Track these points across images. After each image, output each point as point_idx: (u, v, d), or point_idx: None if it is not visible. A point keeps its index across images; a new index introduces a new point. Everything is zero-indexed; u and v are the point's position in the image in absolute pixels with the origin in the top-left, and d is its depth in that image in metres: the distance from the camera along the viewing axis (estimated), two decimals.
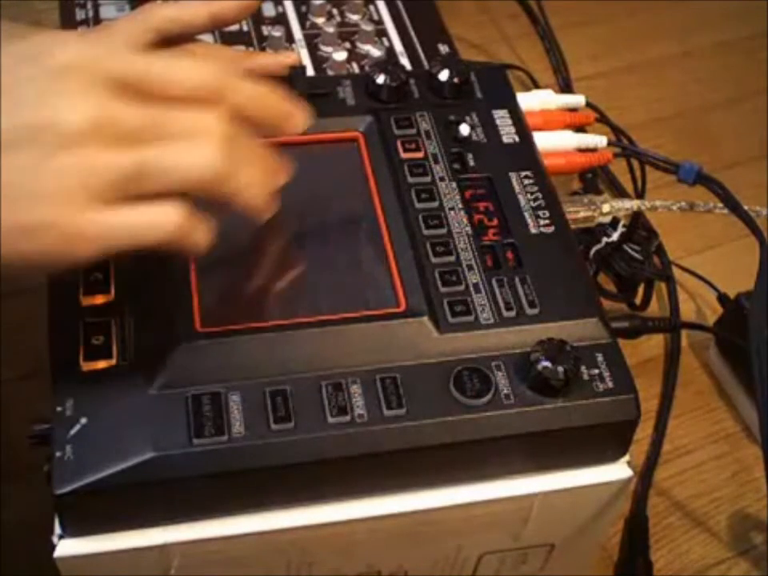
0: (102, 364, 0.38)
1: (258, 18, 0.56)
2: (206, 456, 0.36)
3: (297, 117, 0.40)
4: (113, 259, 0.35)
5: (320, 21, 0.56)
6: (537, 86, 0.72)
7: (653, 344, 0.63)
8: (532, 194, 0.45)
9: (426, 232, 0.43)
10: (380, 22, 0.57)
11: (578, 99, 0.55)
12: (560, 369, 0.39)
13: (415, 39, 0.56)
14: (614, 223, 0.61)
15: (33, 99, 0.34)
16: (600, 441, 0.41)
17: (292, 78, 0.48)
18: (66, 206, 0.33)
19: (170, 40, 0.46)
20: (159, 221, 0.35)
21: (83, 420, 0.37)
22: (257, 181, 0.37)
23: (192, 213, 0.35)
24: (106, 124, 0.34)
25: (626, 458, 0.42)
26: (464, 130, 0.47)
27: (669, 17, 0.86)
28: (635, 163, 0.64)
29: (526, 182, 0.46)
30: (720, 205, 0.53)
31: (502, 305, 0.41)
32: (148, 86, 0.36)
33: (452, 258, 0.42)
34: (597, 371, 0.40)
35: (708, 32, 0.85)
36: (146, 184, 0.34)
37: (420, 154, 0.46)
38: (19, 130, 0.33)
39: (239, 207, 0.37)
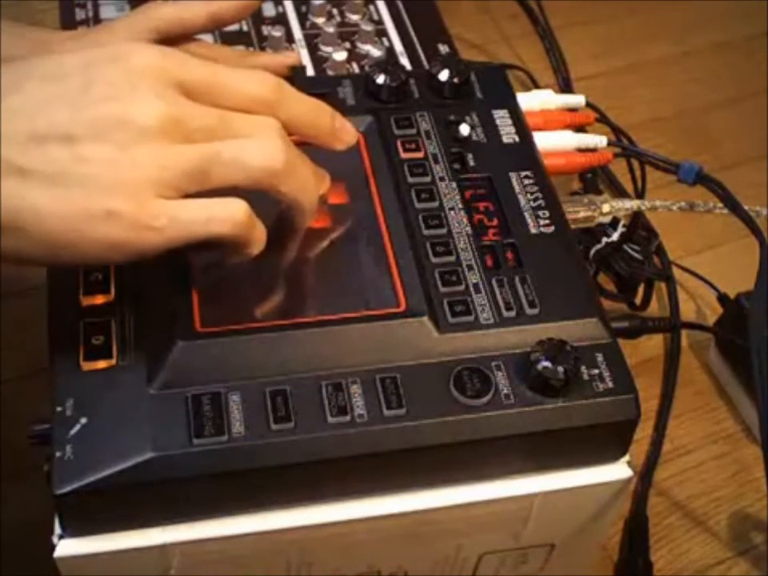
0: (101, 364, 0.38)
1: (257, 18, 0.56)
2: (206, 456, 0.36)
3: (346, 133, 0.42)
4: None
5: (320, 21, 0.57)
6: (537, 86, 0.72)
7: (653, 344, 0.63)
8: (532, 194, 0.45)
9: (425, 232, 0.43)
10: (380, 22, 0.57)
11: (577, 99, 0.55)
12: (560, 369, 0.39)
13: (415, 39, 0.56)
14: (614, 223, 0.61)
15: (111, 97, 0.35)
16: (600, 441, 0.41)
17: (292, 78, 0.48)
18: (137, 196, 0.35)
19: (170, 40, 0.46)
20: (225, 213, 0.36)
21: (83, 420, 0.37)
22: (311, 182, 0.40)
23: (252, 211, 0.37)
24: (177, 122, 0.36)
25: (626, 458, 0.42)
26: (464, 129, 0.47)
27: (669, 17, 0.86)
28: (635, 163, 0.64)
29: (526, 182, 0.46)
30: (720, 205, 0.53)
31: (501, 305, 0.41)
32: (214, 91, 0.38)
33: (452, 258, 0.42)
34: (597, 371, 0.40)
35: (708, 32, 0.85)
36: (213, 177, 0.36)
37: (420, 154, 0.46)
38: (97, 123, 0.35)
39: (293, 207, 0.40)
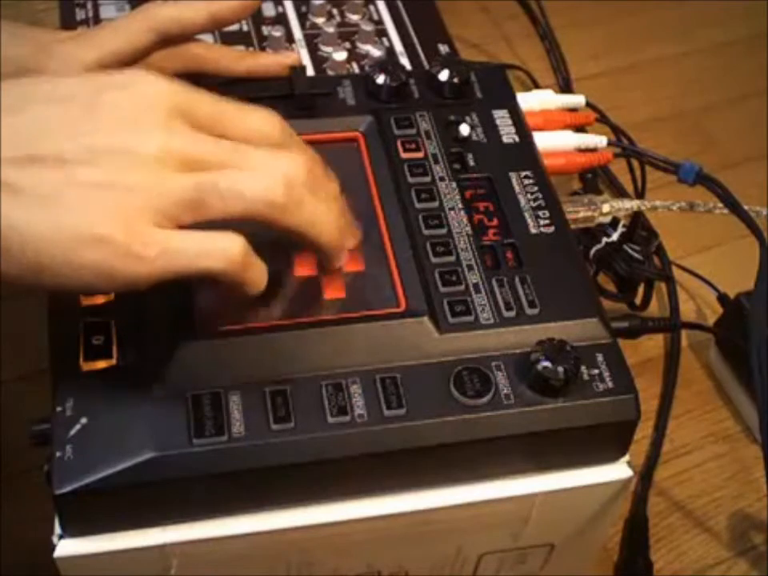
0: (101, 364, 0.38)
1: (257, 18, 0.56)
2: (206, 456, 0.36)
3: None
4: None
5: (320, 21, 0.56)
6: (537, 85, 0.72)
7: (653, 344, 0.63)
8: (532, 194, 0.45)
9: (425, 232, 0.43)
10: (380, 21, 0.57)
11: (578, 99, 0.55)
12: (560, 369, 0.39)
13: (415, 39, 0.56)
14: (614, 223, 0.61)
15: (114, 125, 0.35)
16: (600, 441, 0.41)
17: (292, 78, 0.48)
18: (128, 223, 0.34)
19: (170, 40, 0.46)
20: (219, 248, 0.35)
21: (83, 420, 0.37)
22: (324, 218, 0.38)
23: (250, 249, 0.36)
24: (178, 151, 0.35)
25: (626, 458, 0.42)
26: (464, 130, 0.47)
27: (669, 17, 0.86)
28: (635, 163, 0.64)
29: (526, 182, 0.46)
30: (720, 205, 0.53)
31: (501, 305, 0.41)
32: (221, 124, 0.37)
33: (452, 258, 0.42)
34: (597, 371, 0.40)
35: (708, 32, 0.85)
36: (210, 207, 0.35)
37: (420, 154, 0.46)
38: (96, 149, 0.34)
39: (308, 244, 0.39)
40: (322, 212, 0.38)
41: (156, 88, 0.36)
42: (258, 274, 0.37)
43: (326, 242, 0.39)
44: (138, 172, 0.34)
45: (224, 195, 0.35)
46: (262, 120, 0.38)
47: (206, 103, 0.37)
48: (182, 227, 0.35)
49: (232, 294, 0.37)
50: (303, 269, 0.42)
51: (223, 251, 0.35)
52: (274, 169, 0.37)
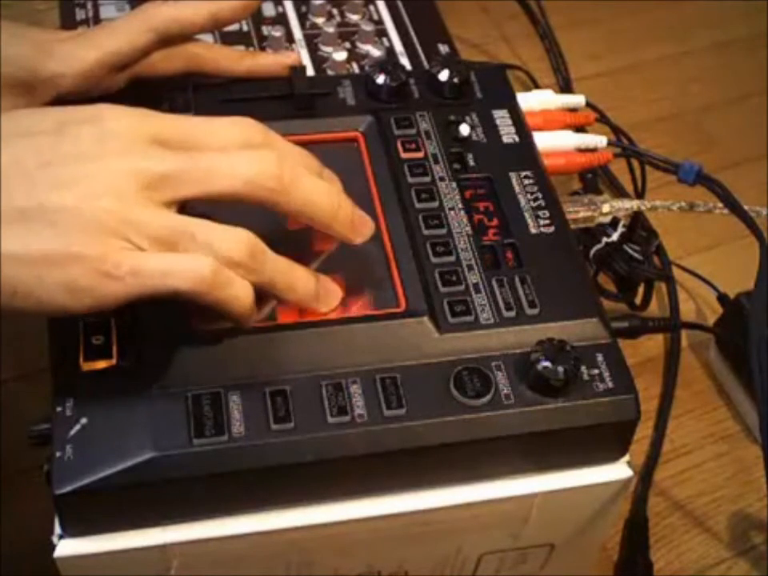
0: (101, 364, 0.38)
1: (257, 18, 0.56)
2: (206, 456, 0.36)
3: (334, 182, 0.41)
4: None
5: (320, 21, 0.56)
6: (537, 86, 0.72)
7: (653, 344, 0.63)
8: (532, 194, 0.45)
9: (425, 232, 0.43)
10: (380, 21, 0.57)
11: (578, 99, 0.55)
12: (560, 369, 0.39)
13: (415, 39, 0.56)
14: (614, 223, 0.61)
15: (79, 154, 0.36)
16: (600, 441, 0.41)
17: (292, 78, 0.48)
18: (99, 243, 0.34)
19: (170, 40, 0.46)
20: (187, 268, 0.35)
21: (83, 420, 0.37)
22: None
23: (224, 270, 0.36)
24: (144, 173, 0.36)
25: (626, 458, 0.42)
26: (464, 130, 0.47)
27: (669, 17, 0.86)
28: (635, 163, 0.64)
29: (526, 182, 0.46)
30: (720, 205, 0.53)
31: (501, 305, 0.41)
32: (192, 139, 0.38)
33: (452, 258, 0.42)
34: (597, 371, 0.40)
35: (708, 32, 0.85)
36: (181, 244, 0.36)
37: (420, 154, 0.46)
38: (63, 176, 0.35)
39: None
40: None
41: (121, 117, 0.37)
42: (236, 292, 0.37)
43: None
44: (103, 199, 0.35)
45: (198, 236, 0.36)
46: (233, 126, 0.39)
47: (171, 123, 0.38)
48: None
49: (226, 318, 0.37)
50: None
51: (190, 271, 0.35)
52: (236, 172, 0.37)
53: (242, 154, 0.38)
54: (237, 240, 0.37)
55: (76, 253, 0.34)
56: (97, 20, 0.55)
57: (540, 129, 0.51)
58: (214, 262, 0.36)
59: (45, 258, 0.34)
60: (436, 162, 0.46)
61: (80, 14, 0.55)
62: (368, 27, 0.55)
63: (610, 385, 0.40)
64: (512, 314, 0.41)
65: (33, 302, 0.34)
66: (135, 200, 0.35)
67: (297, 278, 0.39)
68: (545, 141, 0.50)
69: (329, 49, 0.55)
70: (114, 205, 0.35)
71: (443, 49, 0.56)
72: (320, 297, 0.40)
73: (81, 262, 0.34)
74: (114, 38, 0.45)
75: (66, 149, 0.36)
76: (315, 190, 0.39)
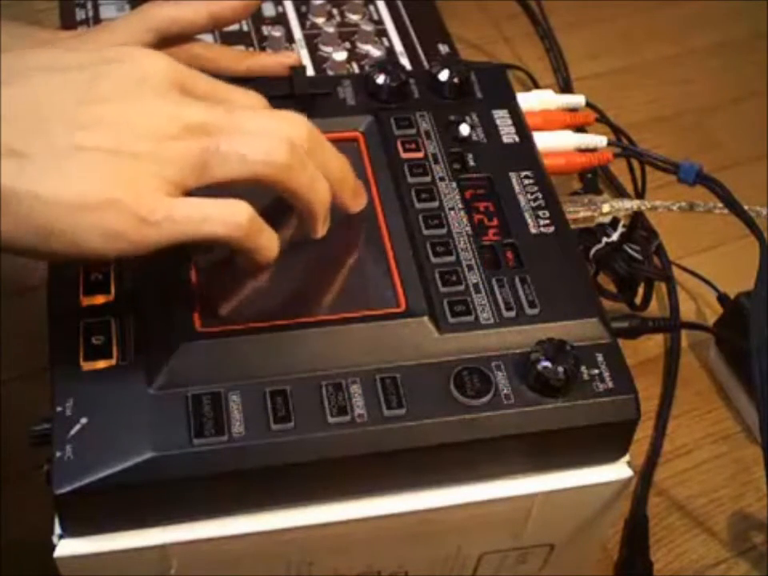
0: (101, 364, 0.38)
1: (257, 18, 0.56)
2: (206, 456, 0.36)
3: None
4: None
5: (320, 21, 0.57)
6: (537, 86, 0.72)
7: (653, 344, 0.63)
8: (532, 194, 0.45)
9: (425, 232, 0.43)
10: (380, 21, 0.57)
11: (578, 99, 0.55)
12: (560, 369, 0.39)
13: (415, 39, 0.56)
14: (614, 223, 0.61)
15: (116, 94, 0.36)
16: (600, 441, 0.41)
17: (292, 78, 0.48)
18: (135, 188, 0.35)
19: (170, 40, 0.46)
20: (224, 214, 0.36)
21: (83, 420, 0.37)
22: (321, 185, 0.39)
23: (257, 216, 0.37)
24: (179, 119, 0.36)
25: (626, 458, 0.42)
26: (464, 129, 0.47)
27: (669, 17, 0.86)
28: (635, 163, 0.64)
29: (526, 182, 0.46)
30: (720, 205, 0.53)
31: (502, 305, 0.41)
32: (221, 95, 0.39)
33: (452, 258, 0.42)
34: (597, 371, 0.40)
35: (708, 32, 0.85)
36: (213, 170, 0.36)
37: (420, 154, 0.46)
38: (101, 117, 0.35)
39: (303, 208, 0.39)
40: (320, 176, 0.39)
41: (155, 61, 0.37)
42: (266, 241, 0.38)
43: (318, 208, 0.40)
44: (142, 139, 0.35)
45: (227, 158, 0.36)
46: (253, 94, 0.40)
47: (203, 78, 0.39)
48: (190, 194, 0.36)
49: (245, 265, 0.38)
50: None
51: (229, 216, 0.36)
52: (276, 130, 0.38)
53: (272, 114, 0.39)
54: (298, 124, 0.38)
55: (111, 198, 0.34)
56: (97, 20, 0.55)
57: (540, 129, 0.51)
58: (250, 209, 0.36)
59: (80, 202, 0.34)
60: (436, 161, 0.46)
61: (80, 14, 0.55)
62: (368, 27, 0.55)
63: (610, 385, 0.40)
64: (512, 314, 0.41)
65: (69, 245, 0.34)
66: (174, 142, 0.36)
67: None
68: (545, 141, 0.50)
69: (329, 49, 0.55)
70: (152, 147, 0.35)
71: (443, 49, 0.56)
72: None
73: (116, 207, 0.34)
74: (113, 38, 0.45)
75: (103, 88, 0.36)
76: (337, 154, 0.40)
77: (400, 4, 0.59)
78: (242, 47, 0.54)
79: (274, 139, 0.37)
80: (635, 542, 0.54)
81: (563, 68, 0.77)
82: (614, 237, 0.61)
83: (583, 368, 0.40)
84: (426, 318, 0.40)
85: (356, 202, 0.43)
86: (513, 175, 0.46)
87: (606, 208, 0.53)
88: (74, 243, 0.34)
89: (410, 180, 0.45)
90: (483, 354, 0.40)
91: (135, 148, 0.35)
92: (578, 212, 0.52)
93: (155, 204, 0.35)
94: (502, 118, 0.48)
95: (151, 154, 0.35)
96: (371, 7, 0.58)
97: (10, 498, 0.51)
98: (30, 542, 0.40)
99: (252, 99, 0.40)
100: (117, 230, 0.34)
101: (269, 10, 0.57)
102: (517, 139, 0.48)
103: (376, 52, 0.55)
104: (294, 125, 0.39)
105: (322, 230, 0.41)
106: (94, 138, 0.35)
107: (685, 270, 0.66)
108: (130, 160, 0.35)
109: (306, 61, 0.54)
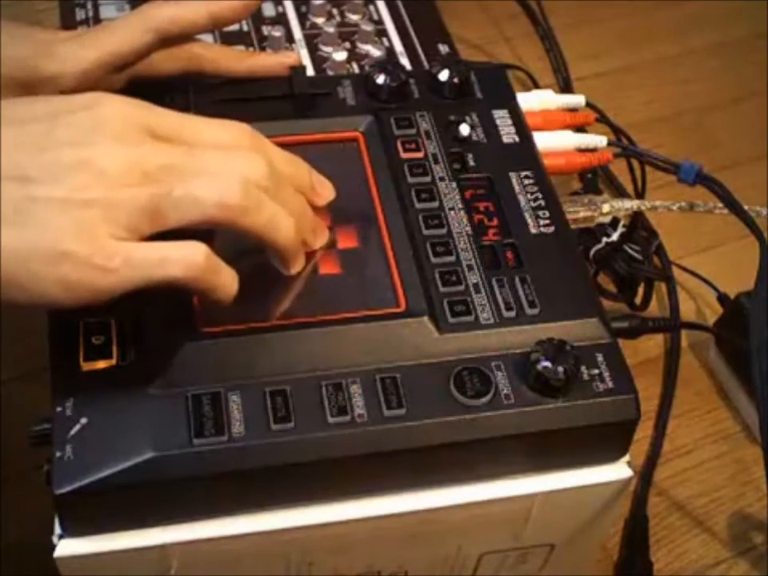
0: (101, 364, 0.38)
1: (257, 18, 0.56)
2: (206, 456, 0.36)
3: (324, 188, 0.42)
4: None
5: (320, 21, 0.56)
6: (537, 86, 0.72)
7: (653, 344, 0.63)
8: (532, 194, 0.45)
9: (425, 232, 0.43)
10: (380, 21, 0.57)
11: (578, 99, 0.55)
12: (560, 369, 0.39)
13: (415, 39, 0.56)
14: (614, 223, 0.61)
15: (72, 142, 0.36)
16: (600, 441, 0.41)
17: (292, 78, 0.48)
18: (90, 237, 0.35)
19: (170, 40, 0.46)
20: (181, 255, 0.36)
21: (83, 420, 0.37)
22: (282, 221, 0.39)
23: (213, 255, 0.36)
24: (136, 163, 0.36)
25: (626, 458, 0.42)
26: (464, 130, 0.47)
27: (668, 17, 0.86)
28: (635, 163, 0.64)
29: (526, 181, 0.46)
30: (720, 205, 0.53)
31: (502, 305, 0.41)
32: (184, 133, 0.38)
33: (452, 258, 0.42)
34: (597, 371, 0.40)
35: (708, 32, 0.85)
36: (168, 215, 0.36)
37: (420, 154, 0.46)
38: (54, 166, 0.35)
39: (268, 246, 0.39)
40: (281, 214, 0.38)
41: (114, 106, 0.37)
42: (224, 279, 0.37)
43: (283, 245, 0.39)
44: (97, 186, 0.35)
45: (180, 202, 0.36)
46: (224, 128, 0.39)
47: (165, 116, 0.38)
48: (147, 239, 0.36)
49: (205, 301, 0.38)
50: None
51: (185, 258, 0.36)
52: (230, 170, 0.37)
53: (229, 154, 0.38)
54: (256, 163, 0.38)
55: (63, 249, 0.34)
56: (97, 20, 0.55)
57: (540, 129, 0.51)
58: (206, 249, 0.36)
59: (35, 254, 0.34)
60: (436, 161, 0.46)
61: (80, 14, 0.55)
62: (368, 27, 0.55)
63: (610, 385, 0.40)
64: (512, 313, 0.41)
65: (28, 296, 0.35)
66: (127, 189, 0.35)
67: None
68: (545, 141, 0.50)
69: (329, 49, 0.55)
70: (105, 193, 0.35)
71: (443, 49, 0.56)
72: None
73: (72, 257, 0.34)
74: (113, 38, 0.45)
75: (59, 135, 0.36)
76: (293, 194, 0.40)
77: (400, 4, 0.59)
78: (242, 47, 0.54)
79: (228, 180, 0.37)
80: (635, 542, 0.54)
81: (563, 68, 0.77)
82: (614, 237, 0.61)
83: (583, 368, 0.40)
84: (425, 318, 0.40)
85: (317, 240, 0.42)
86: (513, 175, 0.46)
87: (606, 208, 0.53)
88: (33, 294, 0.34)
89: (410, 180, 0.45)
90: (483, 354, 0.40)
91: (88, 195, 0.35)
92: (578, 212, 0.52)
93: (110, 250, 0.35)
94: (502, 118, 0.48)
95: (105, 201, 0.35)
96: (371, 7, 0.58)
97: (10, 497, 0.51)
98: (30, 542, 0.40)
99: (219, 132, 0.39)
100: (73, 279, 0.34)
101: (269, 10, 0.57)
102: (517, 139, 0.48)
103: (376, 52, 0.55)
104: (251, 164, 0.38)
105: (294, 267, 0.41)
106: (46, 190, 0.35)
107: (685, 270, 0.66)
108: (82, 209, 0.35)
109: (306, 61, 0.54)
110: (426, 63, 0.54)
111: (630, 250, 0.62)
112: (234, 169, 0.37)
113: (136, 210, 0.35)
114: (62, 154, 0.35)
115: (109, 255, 0.35)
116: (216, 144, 0.38)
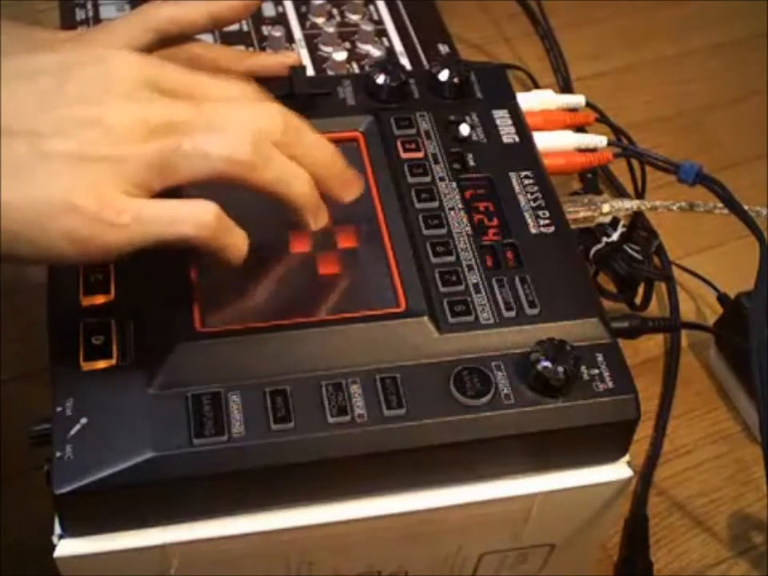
0: (101, 364, 0.38)
1: (257, 18, 0.56)
2: (206, 456, 0.36)
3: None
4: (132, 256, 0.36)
5: (320, 21, 0.57)
6: (537, 86, 0.72)
7: (653, 344, 0.63)
8: (532, 194, 0.45)
9: (425, 232, 0.43)
10: (380, 21, 0.57)
11: (578, 99, 0.55)
12: (560, 369, 0.39)
13: (415, 39, 0.56)
14: (614, 223, 0.61)
15: (83, 97, 0.36)
16: (600, 441, 0.41)
17: (292, 78, 0.48)
18: (100, 192, 0.34)
19: (170, 40, 0.46)
20: (192, 214, 0.36)
21: (83, 420, 0.37)
22: (295, 176, 0.38)
23: (224, 215, 0.36)
24: (146, 120, 0.36)
25: (626, 458, 0.42)
26: (464, 130, 0.47)
27: (668, 17, 0.86)
28: (635, 163, 0.64)
29: (526, 181, 0.46)
30: (720, 205, 0.53)
31: (502, 305, 0.41)
32: (195, 90, 0.38)
33: (452, 258, 0.42)
34: (597, 371, 0.40)
35: (707, 32, 0.85)
36: (178, 170, 0.36)
37: (420, 154, 0.46)
38: (65, 121, 0.35)
39: (283, 203, 0.38)
40: (292, 169, 0.38)
41: (125, 61, 0.37)
42: (235, 240, 0.37)
43: (296, 201, 0.39)
44: (107, 142, 0.35)
45: (189, 158, 0.36)
46: (233, 84, 0.39)
47: (176, 72, 0.38)
48: (157, 196, 0.36)
49: (215, 264, 0.37)
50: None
51: (196, 217, 0.36)
52: (240, 126, 0.37)
53: (246, 104, 0.38)
54: (271, 115, 0.38)
55: (77, 204, 0.34)
56: (97, 20, 0.55)
57: (540, 129, 0.51)
58: (217, 208, 0.36)
59: (45, 207, 0.34)
60: (436, 161, 0.46)
61: (80, 14, 0.55)
62: (368, 27, 0.55)
63: (610, 385, 0.40)
64: (512, 313, 0.41)
65: (35, 250, 0.34)
66: (137, 144, 0.35)
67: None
68: (545, 141, 0.50)
69: (329, 49, 0.55)
70: (115, 149, 0.35)
71: (443, 49, 0.56)
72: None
73: (81, 212, 0.34)
74: (112, 38, 0.45)
75: (69, 91, 0.35)
76: (320, 142, 0.39)
77: (400, 4, 0.59)
78: (242, 47, 0.54)
79: (238, 135, 0.36)
80: (635, 542, 0.54)
81: (563, 68, 0.77)
82: (614, 237, 0.61)
83: (583, 368, 0.40)
84: (425, 318, 0.40)
85: (346, 192, 0.41)
86: (513, 175, 0.46)
87: (606, 208, 0.53)
88: (42, 249, 0.34)
89: (410, 180, 0.45)
90: (483, 354, 0.40)
91: (98, 151, 0.35)
92: (578, 212, 0.52)
93: (120, 206, 0.35)
94: (502, 118, 0.48)
95: (114, 157, 0.35)
96: (371, 7, 0.58)
97: (10, 497, 0.51)
98: (30, 543, 0.40)
99: (232, 90, 0.39)
100: (83, 234, 0.34)
101: (269, 10, 0.57)
102: (517, 139, 0.48)
103: (376, 52, 0.55)
104: (266, 117, 0.38)
105: (314, 223, 0.40)
106: (59, 144, 0.35)
107: (685, 270, 0.66)
108: (93, 164, 0.35)
109: (306, 61, 0.54)
110: (426, 63, 0.54)
111: (629, 250, 0.62)
112: (245, 123, 0.37)
113: (145, 165, 0.35)
114: (73, 111, 0.35)
115: (118, 211, 0.34)
116: (228, 99, 0.38)
